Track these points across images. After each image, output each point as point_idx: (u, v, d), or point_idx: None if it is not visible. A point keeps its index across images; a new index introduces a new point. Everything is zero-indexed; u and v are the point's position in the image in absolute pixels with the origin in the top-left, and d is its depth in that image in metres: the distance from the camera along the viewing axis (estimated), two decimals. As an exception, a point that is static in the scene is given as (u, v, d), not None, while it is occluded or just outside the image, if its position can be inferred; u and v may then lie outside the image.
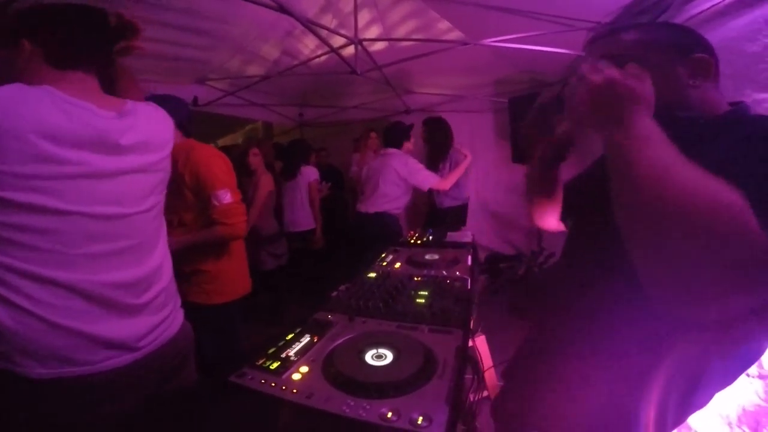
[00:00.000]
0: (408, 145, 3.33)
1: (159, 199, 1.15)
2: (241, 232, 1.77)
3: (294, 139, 4.07)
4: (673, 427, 0.73)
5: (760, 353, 0.70)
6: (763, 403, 1.07)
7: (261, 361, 0.94)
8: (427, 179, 3.20)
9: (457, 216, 3.76)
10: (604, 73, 0.65)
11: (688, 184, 0.55)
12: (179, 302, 1.22)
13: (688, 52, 0.81)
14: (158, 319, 1.07)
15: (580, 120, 0.73)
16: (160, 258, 1.12)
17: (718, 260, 0.53)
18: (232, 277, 1.89)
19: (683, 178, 0.55)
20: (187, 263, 1.74)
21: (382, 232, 3.26)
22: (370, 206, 3.26)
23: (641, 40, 0.85)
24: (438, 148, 3.69)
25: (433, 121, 3.72)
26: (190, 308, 1.78)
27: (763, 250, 0.51)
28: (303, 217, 3.67)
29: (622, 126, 0.62)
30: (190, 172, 1.70)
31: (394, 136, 3.30)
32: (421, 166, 3.23)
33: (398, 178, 3.15)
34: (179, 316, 1.20)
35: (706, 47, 0.83)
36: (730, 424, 1.17)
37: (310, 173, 3.72)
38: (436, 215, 3.81)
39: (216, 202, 1.70)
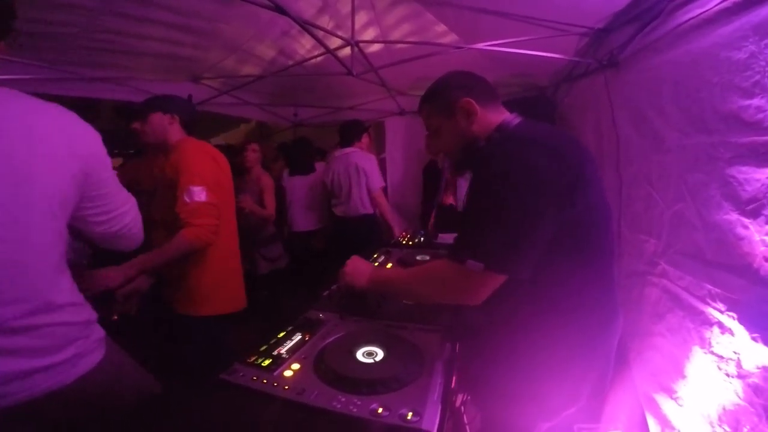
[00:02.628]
0: (360, 144, 3.28)
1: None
2: (207, 239, 1.57)
3: (301, 136, 3.98)
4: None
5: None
6: (742, 403, 1.09)
7: (252, 359, 0.95)
8: (374, 183, 3.18)
9: None
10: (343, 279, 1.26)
11: (407, 288, 1.12)
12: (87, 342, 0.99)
13: (453, 105, 1.09)
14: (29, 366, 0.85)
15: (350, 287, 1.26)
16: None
17: (443, 298, 1.04)
18: (218, 288, 1.77)
19: (406, 288, 1.12)
20: (167, 270, 1.65)
21: (369, 235, 3.23)
22: (351, 210, 3.23)
23: (430, 113, 1.16)
24: None
25: None
26: (175, 318, 1.69)
27: (458, 274, 0.93)
28: (314, 216, 3.55)
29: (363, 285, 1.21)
30: (173, 166, 1.62)
31: (349, 133, 3.27)
32: (376, 166, 3.22)
33: (365, 175, 3.15)
34: (83, 361, 0.96)
35: (462, 89, 1.09)
36: (711, 423, 1.19)
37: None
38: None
39: (187, 198, 1.54)
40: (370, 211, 3.26)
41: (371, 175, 3.15)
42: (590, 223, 0.97)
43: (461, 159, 1.17)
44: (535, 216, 0.87)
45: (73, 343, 0.93)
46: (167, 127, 1.73)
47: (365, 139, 3.34)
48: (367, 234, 3.25)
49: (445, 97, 1.11)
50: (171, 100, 1.80)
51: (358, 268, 1.26)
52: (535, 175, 0.88)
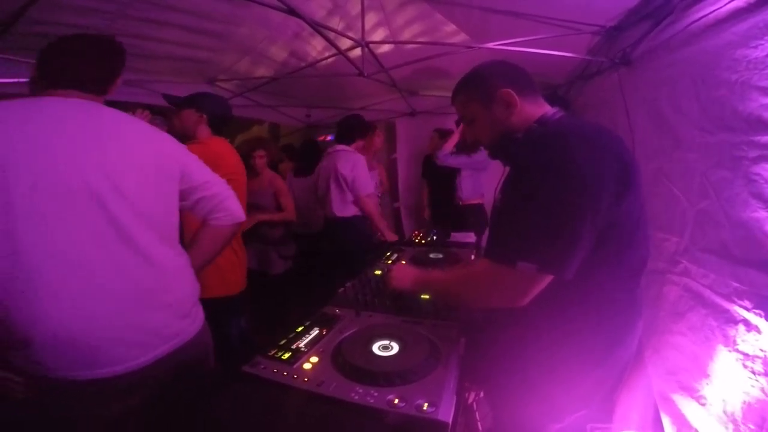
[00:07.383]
0: (362, 142, 3.07)
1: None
2: None
3: (307, 139, 4.01)
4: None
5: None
6: (768, 400, 1.07)
7: (273, 352, 0.98)
8: (361, 188, 2.86)
9: (478, 216, 3.51)
10: (390, 282, 1.28)
11: (452, 291, 1.12)
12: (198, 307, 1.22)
13: (492, 95, 1.07)
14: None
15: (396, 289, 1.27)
16: None
17: (490, 300, 1.01)
18: (220, 270, 1.87)
19: (450, 290, 1.13)
20: None
21: (350, 238, 2.98)
22: (329, 210, 2.99)
23: (466, 100, 1.14)
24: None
25: None
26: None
27: (508, 277, 0.91)
28: (314, 218, 3.52)
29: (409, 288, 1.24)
30: None
31: (346, 130, 2.99)
32: (363, 169, 2.90)
33: (344, 180, 2.86)
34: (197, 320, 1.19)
35: (502, 79, 1.07)
36: (734, 421, 1.18)
37: None
38: (458, 213, 3.57)
39: None
40: (350, 213, 2.97)
41: (356, 181, 2.85)
42: (632, 223, 0.94)
43: (497, 149, 1.14)
44: (585, 214, 0.84)
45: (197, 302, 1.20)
46: (195, 123, 1.95)
47: (361, 142, 3.07)
48: (345, 236, 3.01)
49: (485, 85, 1.08)
50: (204, 99, 1.99)
51: (402, 272, 1.28)
52: (585, 173, 0.85)
